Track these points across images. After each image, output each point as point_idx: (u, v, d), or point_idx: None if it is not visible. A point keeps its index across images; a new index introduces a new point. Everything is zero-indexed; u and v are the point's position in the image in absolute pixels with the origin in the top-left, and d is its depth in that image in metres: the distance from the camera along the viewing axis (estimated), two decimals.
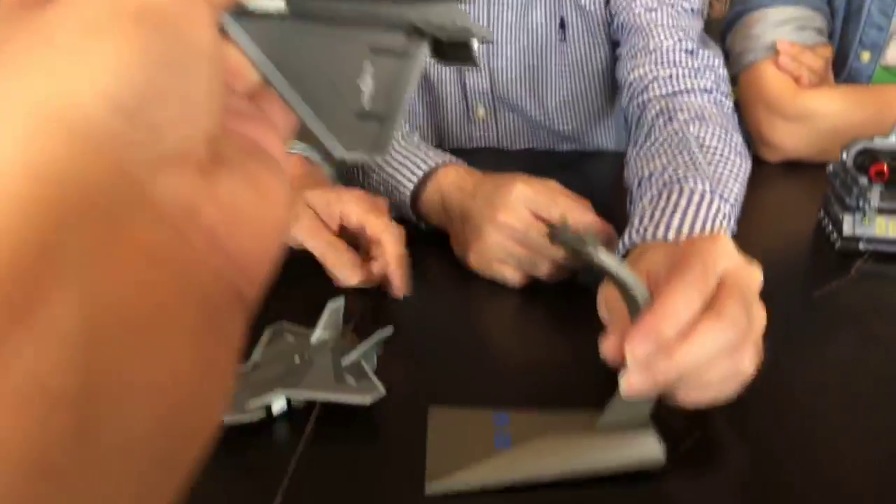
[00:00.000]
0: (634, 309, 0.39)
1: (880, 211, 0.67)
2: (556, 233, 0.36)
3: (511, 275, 0.60)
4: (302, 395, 0.44)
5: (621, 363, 0.41)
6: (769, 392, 0.47)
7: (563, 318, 0.58)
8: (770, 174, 0.95)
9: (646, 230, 0.53)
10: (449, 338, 0.54)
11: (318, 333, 0.48)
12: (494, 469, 0.39)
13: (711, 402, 0.42)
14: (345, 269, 0.57)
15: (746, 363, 0.41)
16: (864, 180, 0.66)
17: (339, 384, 0.44)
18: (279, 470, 0.40)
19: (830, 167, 0.73)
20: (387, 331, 0.47)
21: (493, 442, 0.40)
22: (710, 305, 0.39)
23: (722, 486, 0.40)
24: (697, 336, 0.38)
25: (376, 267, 0.57)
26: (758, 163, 0.89)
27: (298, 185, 0.61)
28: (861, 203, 0.66)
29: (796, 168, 0.97)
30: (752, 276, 0.42)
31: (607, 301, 0.47)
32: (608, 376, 0.47)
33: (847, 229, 0.68)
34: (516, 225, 0.58)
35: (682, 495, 0.39)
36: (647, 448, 0.39)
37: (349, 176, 0.73)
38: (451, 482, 0.38)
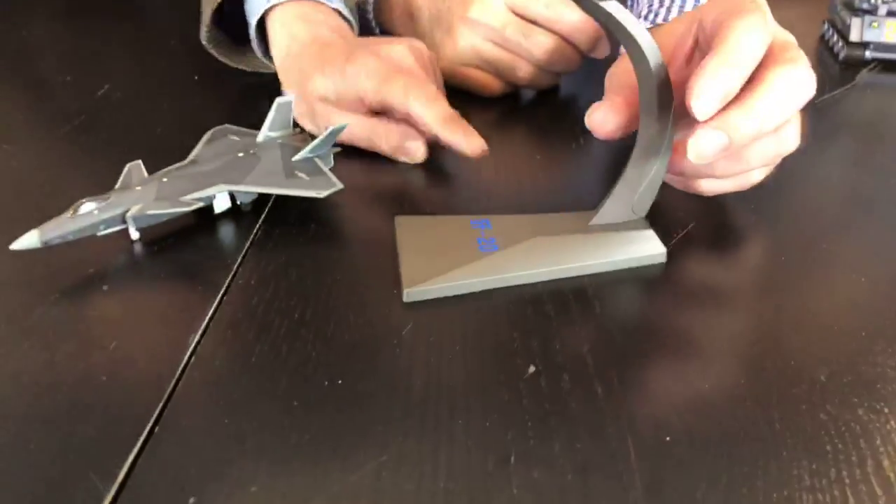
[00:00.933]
0: (646, 77, 0.33)
1: (890, 13, 0.61)
2: None
3: (486, 82, 0.54)
4: (248, 189, 0.38)
5: (613, 134, 0.36)
6: (769, 186, 0.43)
7: (545, 129, 0.52)
8: None
9: (656, 15, 0.48)
10: None
11: (266, 132, 0.42)
12: (481, 271, 0.34)
13: (731, 189, 0.38)
14: (399, 152, 0.45)
15: (793, 138, 0.36)
16: None
17: (290, 179, 0.39)
18: (222, 270, 0.35)
19: None
20: (343, 125, 0.41)
21: (477, 246, 0.36)
22: (775, 57, 0.33)
23: (725, 277, 0.36)
24: (777, 83, 0.32)
25: (420, 149, 0.44)
26: None
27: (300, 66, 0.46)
28: (873, 1, 0.60)
29: None
30: (795, 43, 0.35)
31: (613, 76, 0.40)
32: (594, 189, 0.43)
33: (854, 34, 0.62)
34: (491, 22, 0.52)
35: (679, 290, 0.35)
36: (648, 245, 0.36)
37: None
38: (431, 287, 0.33)
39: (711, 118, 0.32)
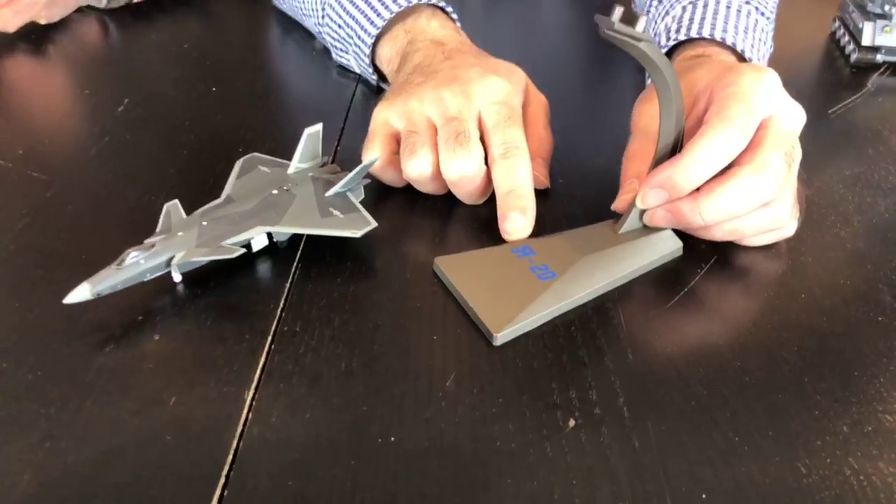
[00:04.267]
0: (667, 117, 0.37)
1: None
2: (602, 23, 0.33)
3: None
4: (286, 230, 0.39)
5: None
6: None
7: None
8: None
9: (688, 29, 0.49)
10: None
11: (296, 163, 0.43)
12: (553, 300, 0.37)
13: (749, 245, 0.41)
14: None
15: (785, 214, 0.39)
16: None
17: (326, 218, 0.40)
18: (266, 316, 0.37)
19: None
20: (373, 156, 0.42)
21: (535, 276, 0.38)
22: (750, 155, 0.37)
23: (749, 321, 0.38)
24: (729, 190, 0.36)
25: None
26: None
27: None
28: (886, 8, 0.60)
29: None
30: (797, 118, 0.39)
31: (637, 116, 0.44)
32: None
33: (867, 39, 0.62)
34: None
35: (703, 334, 0.37)
36: (669, 243, 0.41)
37: None
38: (516, 327, 0.35)
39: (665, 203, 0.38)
